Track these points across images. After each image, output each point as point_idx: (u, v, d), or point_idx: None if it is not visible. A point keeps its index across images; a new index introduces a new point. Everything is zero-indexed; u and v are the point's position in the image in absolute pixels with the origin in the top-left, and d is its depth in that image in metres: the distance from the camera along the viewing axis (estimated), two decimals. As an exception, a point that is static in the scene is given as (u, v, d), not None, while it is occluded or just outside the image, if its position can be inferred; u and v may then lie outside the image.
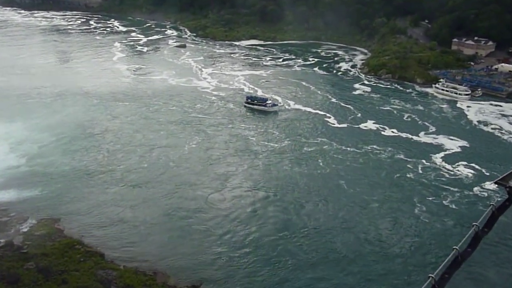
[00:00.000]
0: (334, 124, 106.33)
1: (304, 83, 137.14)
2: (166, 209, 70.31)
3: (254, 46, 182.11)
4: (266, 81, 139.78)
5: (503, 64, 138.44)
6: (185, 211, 69.83)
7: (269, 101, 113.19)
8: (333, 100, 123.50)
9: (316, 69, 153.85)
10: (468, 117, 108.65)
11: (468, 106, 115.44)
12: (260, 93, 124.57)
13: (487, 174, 79.12)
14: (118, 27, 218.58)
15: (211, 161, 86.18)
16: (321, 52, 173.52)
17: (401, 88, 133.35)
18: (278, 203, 72.55)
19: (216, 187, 76.62)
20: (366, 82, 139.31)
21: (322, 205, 71.98)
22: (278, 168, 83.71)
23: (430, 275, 36.93)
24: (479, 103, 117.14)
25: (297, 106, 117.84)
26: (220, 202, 72.52)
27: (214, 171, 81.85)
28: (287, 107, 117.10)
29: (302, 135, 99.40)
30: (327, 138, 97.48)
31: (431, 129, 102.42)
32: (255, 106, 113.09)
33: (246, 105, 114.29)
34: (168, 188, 75.93)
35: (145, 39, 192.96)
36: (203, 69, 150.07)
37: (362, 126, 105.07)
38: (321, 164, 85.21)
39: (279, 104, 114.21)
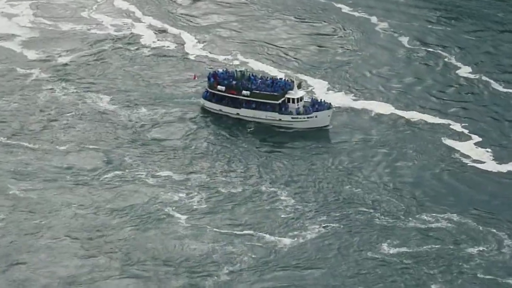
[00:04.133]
0: (483, 162, 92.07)
1: (358, 14, 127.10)
2: None
3: None
4: (226, 14, 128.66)
5: None
6: None
7: (296, 92, 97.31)
8: (462, 74, 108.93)
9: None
10: None
11: None
12: (203, 53, 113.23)
13: None
14: None
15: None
16: None
17: None
18: None
19: None
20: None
21: None
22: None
23: None
24: None
25: (351, 100, 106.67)
26: None
27: None
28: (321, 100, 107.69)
29: (376, 200, 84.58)
30: (463, 214, 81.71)
31: None
32: (245, 111, 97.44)
33: (208, 106, 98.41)
34: None
35: None
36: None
37: None
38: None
39: (332, 107, 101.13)
